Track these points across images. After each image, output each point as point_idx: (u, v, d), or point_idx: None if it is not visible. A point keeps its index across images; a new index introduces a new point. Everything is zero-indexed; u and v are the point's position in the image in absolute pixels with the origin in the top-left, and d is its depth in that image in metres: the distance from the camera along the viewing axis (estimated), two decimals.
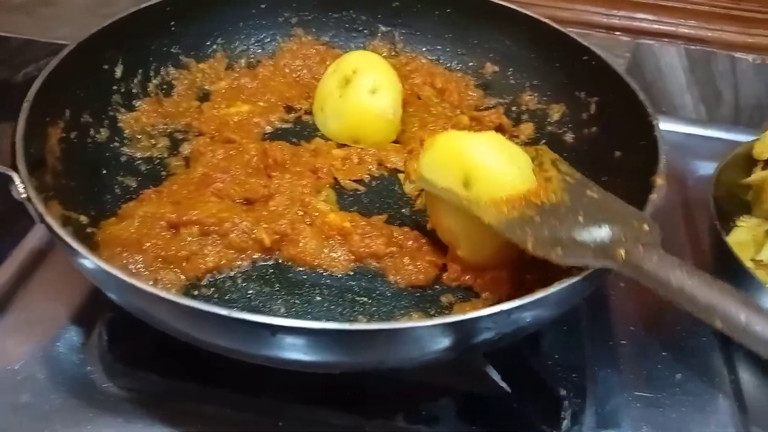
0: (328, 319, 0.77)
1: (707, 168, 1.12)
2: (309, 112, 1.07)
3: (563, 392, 0.79)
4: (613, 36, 1.27)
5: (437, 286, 0.83)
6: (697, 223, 1.08)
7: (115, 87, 0.99)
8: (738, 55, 1.25)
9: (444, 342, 0.63)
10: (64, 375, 0.78)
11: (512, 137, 1.07)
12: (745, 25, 1.25)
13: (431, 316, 0.77)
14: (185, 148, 0.98)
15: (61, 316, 0.84)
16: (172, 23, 1.07)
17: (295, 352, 0.62)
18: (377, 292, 0.81)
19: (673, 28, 1.25)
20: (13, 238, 0.92)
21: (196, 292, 0.79)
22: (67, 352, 0.80)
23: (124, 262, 0.78)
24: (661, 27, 1.25)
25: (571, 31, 1.06)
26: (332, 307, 0.79)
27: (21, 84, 1.35)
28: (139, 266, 0.78)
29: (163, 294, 0.61)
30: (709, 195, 0.93)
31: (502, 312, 0.62)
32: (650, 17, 1.25)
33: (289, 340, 0.60)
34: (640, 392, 0.84)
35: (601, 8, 1.26)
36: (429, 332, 0.61)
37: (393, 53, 1.20)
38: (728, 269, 0.87)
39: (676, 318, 0.94)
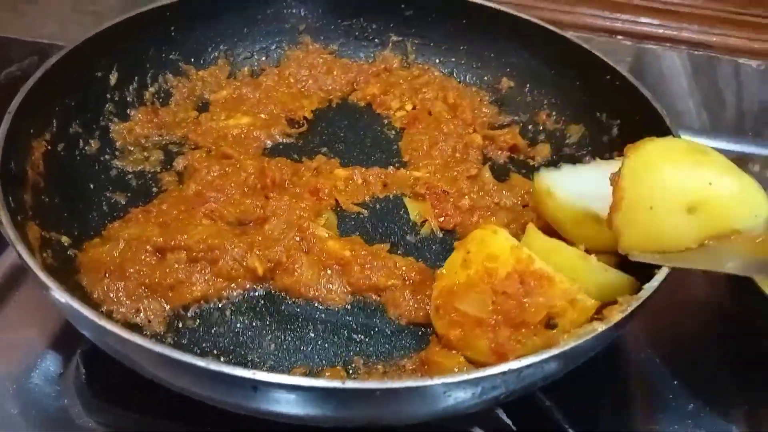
0: (321, 359, 0.72)
1: None
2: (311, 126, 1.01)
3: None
4: (615, 40, 1.24)
5: None
6: None
7: (108, 95, 0.94)
8: (742, 60, 1.21)
9: (446, 402, 0.57)
10: (38, 409, 0.72)
11: (527, 158, 1.01)
12: (751, 31, 1.22)
13: None
14: (179, 163, 0.92)
15: (37, 344, 0.78)
16: (172, 28, 1.02)
17: (279, 406, 0.57)
18: (375, 329, 0.76)
19: (676, 33, 1.23)
20: None
21: (180, 324, 0.74)
22: (42, 383, 0.74)
23: (105, 289, 0.73)
24: (664, 31, 1.23)
25: (589, 46, 1.00)
26: (326, 345, 0.73)
27: (2, 85, 1.30)
28: (120, 294, 0.73)
29: (135, 339, 0.56)
30: None
31: (510, 371, 0.55)
32: (653, 21, 1.23)
33: (273, 395, 0.55)
34: (651, 425, 0.79)
35: (604, 12, 1.23)
36: (429, 391, 0.55)
37: (405, 64, 1.14)
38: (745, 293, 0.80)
39: (689, 344, 0.89)
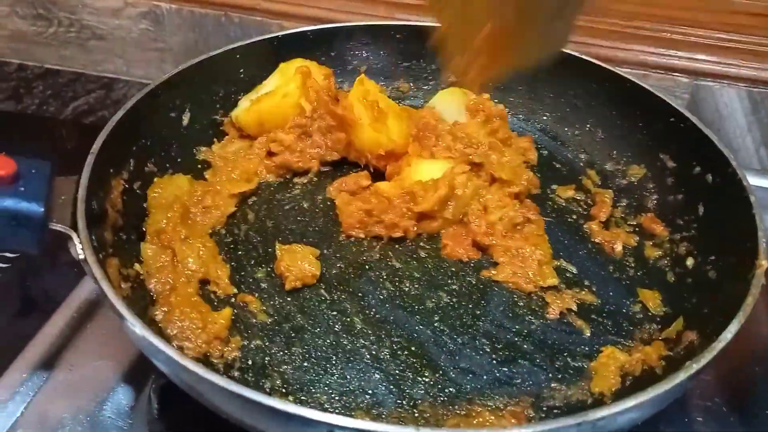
0: (387, 400, 0.72)
1: None
2: None
3: None
4: (672, 77, 1.21)
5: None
6: None
7: (180, 135, 0.98)
8: None
9: None
10: None
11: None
12: None
13: (499, 410, 0.71)
14: None
15: (109, 377, 0.81)
16: (241, 70, 1.05)
17: None
18: (441, 371, 0.76)
19: (735, 70, 1.19)
20: (62, 290, 0.90)
21: (249, 361, 0.75)
22: (114, 416, 0.77)
23: (178, 323, 0.75)
24: (721, 68, 1.19)
25: (654, 88, 1.00)
26: (392, 386, 0.73)
27: (70, 119, 1.35)
28: (193, 325, 0.75)
29: (211, 377, 0.57)
30: None
31: (586, 422, 0.55)
32: (711, 58, 1.20)
33: None
34: None
35: (660, 48, 1.21)
36: None
37: None
38: None
39: (756, 392, 0.87)
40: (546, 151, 1.08)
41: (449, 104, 1.01)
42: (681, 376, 0.60)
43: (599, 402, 0.72)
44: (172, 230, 0.84)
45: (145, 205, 0.87)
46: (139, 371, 0.81)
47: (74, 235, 0.69)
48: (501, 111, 1.00)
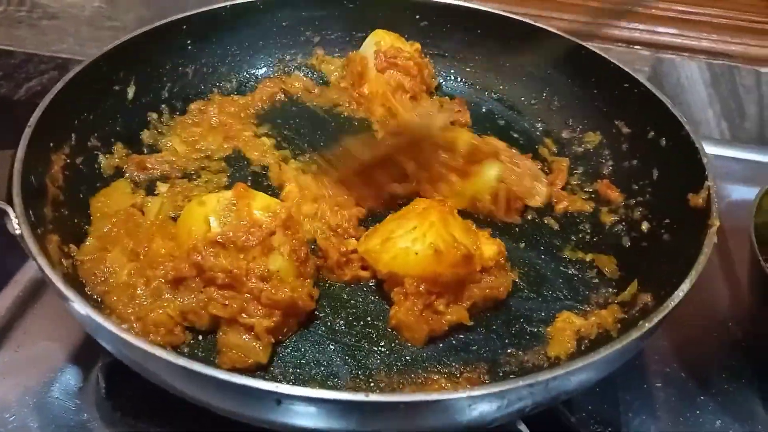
0: (342, 371, 0.71)
1: (740, 192, 1.08)
2: None
3: None
4: (634, 50, 1.22)
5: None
6: (731, 251, 1.01)
7: (126, 109, 0.94)
8: (763, 69, 1.19)
9: (470, 414, 0.56)
10: (58, 423, 0.72)
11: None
12: None
13: (455, 377, 0.70)
14: None
15: (57, 357, 0.78)
16: (189, 42, 1.02)
17: (303, 419, 0.56)
18: (396, 341, 0.75)
19: (695, 42, 1.20)
20: (8, 269, 0.87)
21: (199, 337, 0.73)
22: (62, 397, 0.74)
23: (121, 306, 0.72)
24: (682, 41, 1.21)
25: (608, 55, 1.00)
26: (347, 357, 0.72)
27: (24, 100, 1.32)
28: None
29: (158, 353, 0.55)
30: (749, 223, 0.84)
31: (538, 382, 0.54)
32: (672, 31, 1.21)
33: (297, 408, 0.54)
34: None
35: (621, 21, 1.21)
36: (453, 405, 0.54)
37: None
38: None
39: (714, 358, 0.88)
40: (503, 121, 1.08)
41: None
42: (633, 336, 0.60)
43: (555, 366, 0.72)
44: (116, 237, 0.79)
45: (87, 186, 0.84)
46: (87, 351, 0.79)
47: (10, 210, 0.66)
48: (413, 68, 1.01)
